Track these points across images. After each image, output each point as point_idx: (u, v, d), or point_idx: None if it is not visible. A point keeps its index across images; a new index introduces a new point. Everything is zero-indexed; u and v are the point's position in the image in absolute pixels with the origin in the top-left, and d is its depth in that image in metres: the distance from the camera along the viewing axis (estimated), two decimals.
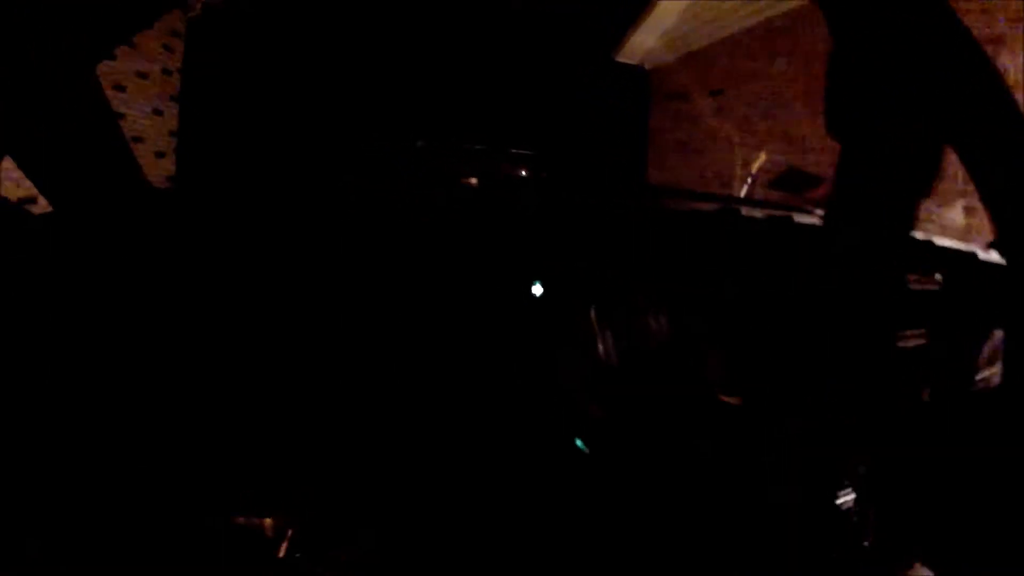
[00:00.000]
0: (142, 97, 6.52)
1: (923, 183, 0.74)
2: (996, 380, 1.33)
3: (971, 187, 3.48)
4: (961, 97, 0.78)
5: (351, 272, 1.10)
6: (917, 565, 1.02)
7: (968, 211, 4.07)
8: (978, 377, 1.35)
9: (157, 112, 6.73)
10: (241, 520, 1.04)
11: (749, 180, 4.28)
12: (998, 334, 1.38)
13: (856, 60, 0.72)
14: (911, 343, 1.28)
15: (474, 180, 1.57)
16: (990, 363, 1.38)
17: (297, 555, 1.04)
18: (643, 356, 1.11)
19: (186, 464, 1.04)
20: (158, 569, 1.02)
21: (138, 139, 6.34)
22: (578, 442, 1.05)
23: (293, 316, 1.07)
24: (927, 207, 4.27)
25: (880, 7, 0.69)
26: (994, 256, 1.40)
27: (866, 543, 1.01)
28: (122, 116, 5.86)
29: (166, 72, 6.82)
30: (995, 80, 0.79)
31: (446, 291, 1.10)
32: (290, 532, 1.10)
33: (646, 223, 1.23)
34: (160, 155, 6.72)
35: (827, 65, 0.74)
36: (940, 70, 0.73)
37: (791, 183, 5.10)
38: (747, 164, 6.30)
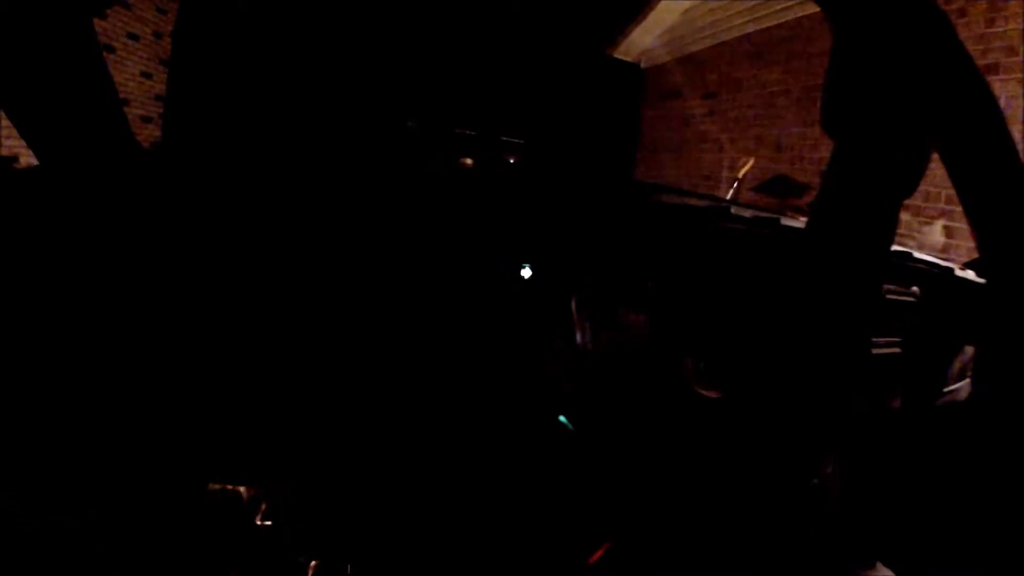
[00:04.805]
0: (131, 59, 6.42)
1: (905, 193, 0.76)
2: (964, 395, 1.37)
3: (952, 207, 3.55)
4: (954, 113, 0.80)
5: (336, 245, 1.10)
6: (879, 565, 1.05)
7: (948, 231, 4.15)
8: (946, 390, 1.38)
9: (146, 75, 6.63)
10: (215, 488, 1.04)
11: (736, 183, 4.32)
12: (968, 350, 1.41)
13: (854, 67, 0.74)
14: (884, 351, 1.31)
15: (469, 161, 1.57)
16: (959, 378, 1.42)
17: (268, 523, 1.04)
18: (621, 348, 1.13)
19: (160, 429, 1.03)
20: (131, 534, 1.01)
21: (124, 102, 6.24)
22: (561, 418, 1.07)
23: (277, 288, 1.07)
24: (909, 224, 4.35)
25: (884, 20, 0.71)
26: (970, 275, 1.43)
27: (829, 541, 1.04)
28: None
29: (157, 35, 6.71)
30: (989, 102, 0.81)
31: (431, 269, 1.10)
32: (263, 505, 1.10)
33: (632, 215, 1.24)
34: (147, 120, 6.62)
35: (826, 67, 0.75)
36: (937, 84, 0.75)
37: (777, 189, 5.16)
38: (735, 168, 6.35)
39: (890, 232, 0.77)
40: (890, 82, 0.71)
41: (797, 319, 0.79)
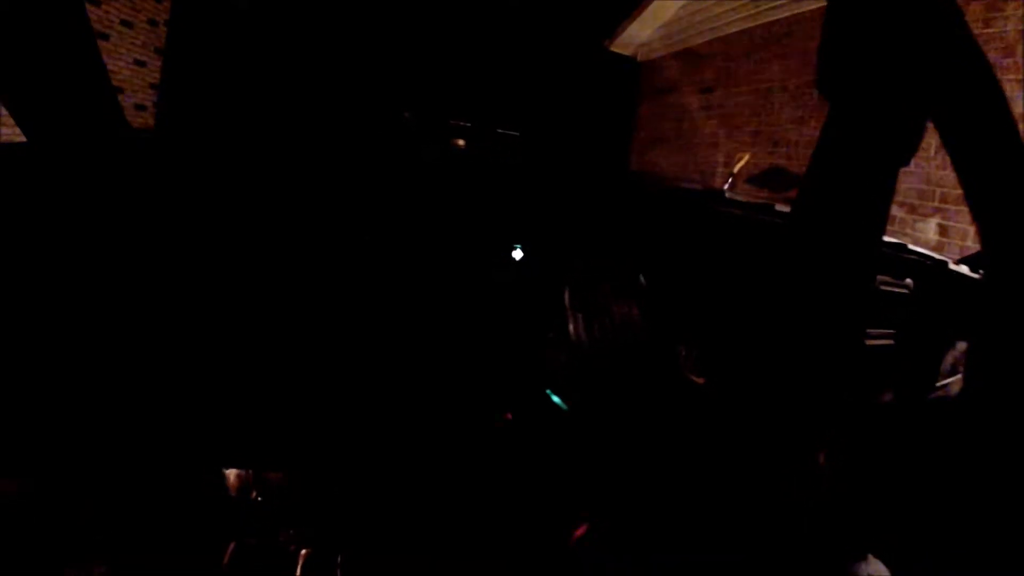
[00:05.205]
0: (125, 47, 6.36)
1: (901, 159, 0.73)
2: (956, 390, 1.37)
3: (947, 206, 3.53)
4: (952, 72, 0.78)
5: (329, 233, 1.09)
6: (870, 557, 1.05)
7: (942, 229, 4.16)
8: (939, 384, 1.39)
9: (140, 63, 6.58)
10: (205, 471, 1.04)
11: (731, 178, 4.32)
12: (961, 345, 1.42)
13: (850, 22, 0.72)
14: (877, 343, 1.31)
15: (461, 142, 1.56)
16: (951, 373, 1.42)
17: (259, 498, 1.04)
18: (614, 336, 1.12)
19: (152, 413, 1.03)
20: (123, 516, 1.01)
21: (118, 90, 6.19)
22: (554, 398, 1.07)
23: (271, 275, 1.06)
24: (904, 221, 4.37)
25: (891, 10, 0.69)
26: (964, 269, 1.43)
27: (821, 533, 1.04)
28: None
29: (152, 23, 6.65)
30: (995, 91, 0.80)
31: (421, 256, 1.10)
32: (254, 493, 1.10)
33: (626, 200, 1.24)
34: (140, 108, 6.57)
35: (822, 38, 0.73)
36: (933, 40, 0.73)
37: (772, 182, 5.16)
38: (730, 163, 6.35)
39: (885, 203, 0.74)
40: (886, 38, 0.69)
41: (790, 303, 0.78)
